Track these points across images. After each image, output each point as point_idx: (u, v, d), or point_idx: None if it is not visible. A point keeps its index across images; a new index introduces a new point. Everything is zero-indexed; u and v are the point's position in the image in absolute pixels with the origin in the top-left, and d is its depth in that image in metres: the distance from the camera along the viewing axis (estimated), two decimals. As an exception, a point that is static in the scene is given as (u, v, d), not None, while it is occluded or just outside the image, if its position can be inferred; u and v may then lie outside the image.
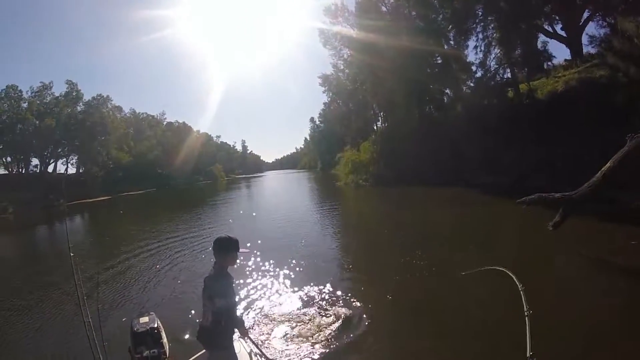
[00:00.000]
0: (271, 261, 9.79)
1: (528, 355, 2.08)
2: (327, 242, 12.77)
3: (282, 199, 35.04)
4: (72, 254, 3.58)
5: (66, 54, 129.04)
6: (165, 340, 3.52)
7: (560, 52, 62.29)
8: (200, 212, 26.03)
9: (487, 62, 25.12)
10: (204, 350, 3.38)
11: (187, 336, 5.31)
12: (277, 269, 9.15)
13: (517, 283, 3.24)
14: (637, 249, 7.95)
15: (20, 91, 58.59)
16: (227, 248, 3.15)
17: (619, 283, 6.55)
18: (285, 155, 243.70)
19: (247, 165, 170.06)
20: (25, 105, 58.46)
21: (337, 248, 11.99)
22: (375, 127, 45.24)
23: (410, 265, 8.51)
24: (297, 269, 9.15)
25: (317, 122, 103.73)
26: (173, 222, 20.48)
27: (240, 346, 3.48)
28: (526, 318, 2.54)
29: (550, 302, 5.75)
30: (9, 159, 58.54)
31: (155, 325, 3.55)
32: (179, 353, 3.61)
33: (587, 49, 23.24)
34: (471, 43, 27.01)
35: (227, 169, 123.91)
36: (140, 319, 3.66)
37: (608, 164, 8.92)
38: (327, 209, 21.55)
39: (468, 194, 18.85)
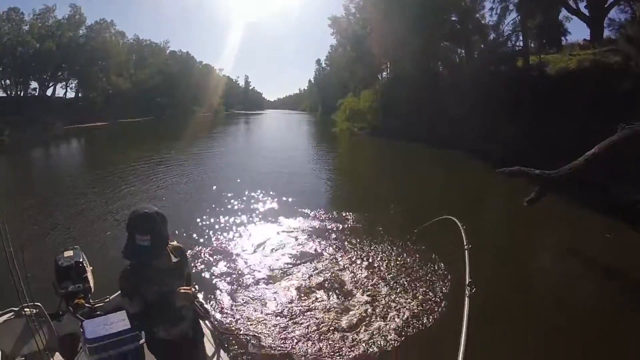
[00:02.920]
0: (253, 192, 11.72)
1: (467, 282, 2.33)
2: (301, 183, 13.95)
3: (274, 137, 36.87)
4: None
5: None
6: (90, 275, 3.38)
7: (580, 31, 60.14)
8: (191, 145, 26.32)
9: (501, 27, 24.43)
10: None
11: (112, 271, 5.77)
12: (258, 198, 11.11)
13: (459, 224, 3.68)
14: (608, 242, 8.19)
15: (22, 13, 56.66)
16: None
17: (570, 265, 7.24)
18: (288, 95, 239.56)
19: (249, 102, 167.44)
20: (26, 28, 56.70)
21: (310, 190, 13.06)
22: (379, 78, 44.49)
23: (371, 220, 9.23)
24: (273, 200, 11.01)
25: (323, 65, 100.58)
26: (154, 157, 20.10)
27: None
28: (466, 252, 2.84)
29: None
30: (7, 81, 57.52)
31: (81, 260, 3.38)
32: (104, 288, 3.54)
33: (608, 32, 22.61)
34: (487, 4, 26.12)
35: (228, 103, 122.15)
36: (65, 252, 3.44)
37: (593, 150, 8.98)
38: (314, 152, 23.00)
39: (460, 159, 19.20)
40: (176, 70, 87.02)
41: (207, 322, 3.16)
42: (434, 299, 5.59)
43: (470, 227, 3.52)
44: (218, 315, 5.19)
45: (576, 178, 9.25)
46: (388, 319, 5.14)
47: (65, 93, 65.23)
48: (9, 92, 57.76)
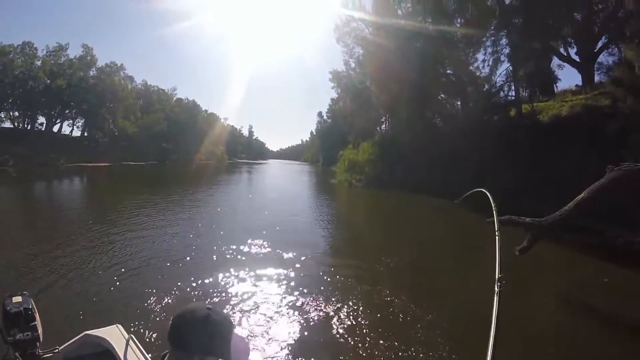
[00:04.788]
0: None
1: (497, 277, 2.37)
2: (301, 230, 13.61)
3: (275, 186, 36.86)
4: None
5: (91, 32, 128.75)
6: (39, 323, 3.16)
7: (572, 78, 61.76)
8: (192, 193, 25.87)
9: (493, 78, 24.92)
10: (79, 336, 3.23)
11: (62, 319, 5.20)
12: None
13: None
14: (605, 286, 7.85)
15: (36, 49, 59.11)
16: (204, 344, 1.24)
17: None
18: (290, 145, 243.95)
19: (252, 151, 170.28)
20: (39, 63, 58.77)
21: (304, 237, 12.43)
22: (378, 129, 45.04)
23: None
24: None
25: (325, 117, 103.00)
26: (145, 205, 18.73)
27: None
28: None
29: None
30: (16, 113, 59.09)
31: (30, 307, 3.17)
32: (54, 337, 3.31)
33: (598, 77, 23.13)
34: (480, 56, 26.85)
35: (231, 151, 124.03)
36: (13, 298, 3.24)
37: (582, 194, 8.72)
38: (311, 203, 22.54)
39: (451, 206, 18.73)
40: (182, 118, 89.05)
41: None
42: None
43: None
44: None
45: (567, 224, 8.86)
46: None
47: (71, 131, 66.87)
48: (16, 124, 59.30)
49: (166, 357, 1.26)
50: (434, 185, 22.37)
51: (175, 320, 1.24)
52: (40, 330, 3.11)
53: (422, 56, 27.66)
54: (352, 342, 5.32)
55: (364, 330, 5.64)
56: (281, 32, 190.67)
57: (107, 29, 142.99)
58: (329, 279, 8.00)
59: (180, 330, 1.23)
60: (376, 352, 5.03)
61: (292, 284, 7.56)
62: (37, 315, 3.17)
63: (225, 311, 6.07)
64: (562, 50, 25.27)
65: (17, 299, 3.20)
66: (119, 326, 3.37)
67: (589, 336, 5.73)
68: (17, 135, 52.92)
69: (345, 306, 6.46)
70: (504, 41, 24.35)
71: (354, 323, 5.89)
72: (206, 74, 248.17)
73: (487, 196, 4.19)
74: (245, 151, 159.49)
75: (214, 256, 9.54)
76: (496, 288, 2.32)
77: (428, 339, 5.32)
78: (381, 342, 5.27)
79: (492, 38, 24.79)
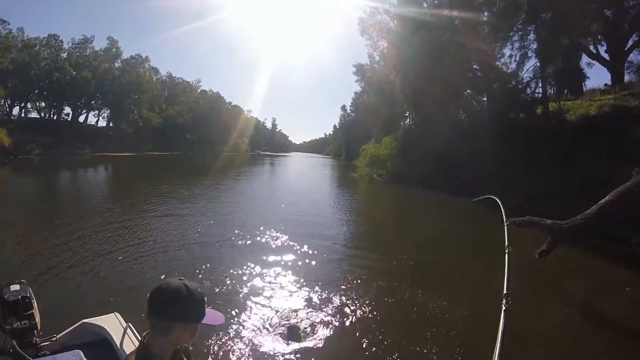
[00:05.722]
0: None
1: (504, 294, 2.22)
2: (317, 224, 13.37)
3: (296, 179, 37.60)
4: None
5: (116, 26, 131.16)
6: (36, 311, 3.18)
7: (602, 76, 59.48)
8: (216, 182, 26.32)
9: (520, 74, 24.18)
10: (78, 323, 3.25)
11: (60, 307, 5.17)
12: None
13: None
14: (628, 295, 7.43)
15: (61, 41, 60.63)
16: (181, 308, 1.37)
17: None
18: (313, 139, 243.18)
19: (275, 144, 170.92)
20: (64, 55, 60.27)
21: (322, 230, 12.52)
22: (402, 124, 44.49)
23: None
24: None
25: (348, 111, 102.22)
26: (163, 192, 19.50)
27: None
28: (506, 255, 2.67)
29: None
30: (42, 104, 60.88)
31: (28, 295, 3.19)
32: (52, 325, 3.34)
33: (630, 75, 22.30)
34: (506, 51, 26.10)
35: (254, 143, 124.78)
36: (11, 286, 3.24)
37: (606, 198, 8.34)
38: (330, 196, 22.85)
39: (472, 206, 18.25)
40: (206, 109, 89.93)
41: None
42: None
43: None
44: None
45: (590, 228, 8.51)
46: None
47: (97, 121, 68.59)
48: (42, 115, 61.14)
49: (147, 333, 1.45)
50: (455, 184, 21.89)
51: (153, 291, 1.39)
52: (37, 319, 3.13)
53: (448, 50, 27.00)
54: (361, 335, 5.29)
55: (374, 325, 5.61)
56: (305, 24, 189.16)
57: (132, 23, 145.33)
58: (342, 272, 8.04)
59: (156, 298, 1.38)
60: (384, 347, 5.00)
61: (306, 275, 7.60)
62: (34, 304, 3.19)
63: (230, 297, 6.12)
64: (591, 47, 24.35)
65: (15, 287, 3.21)
66: (117, 314, 3.40)
67: (608, 351, 5.40)
68: (43, 125, 54.35)
69: (358, 299, 6.48)
70: (531, 36, 23.65)
71: (364, 316, 5.89)
72: (231, 66, 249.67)
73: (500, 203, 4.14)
74: (269, 144, 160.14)
75: (228, 245, 9.62)
76: (503, 305, 2.15)
77: (439, 339, 5.20)
78: (390, 339, 5.21)
79: (520, 32, 24.01)
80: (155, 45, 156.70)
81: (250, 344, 4.98)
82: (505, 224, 2.97)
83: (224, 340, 4.98)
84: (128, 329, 3.14)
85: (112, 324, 3.26)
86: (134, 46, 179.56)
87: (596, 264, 9.41)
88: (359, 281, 7.46)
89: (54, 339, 3.16)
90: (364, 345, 5.04)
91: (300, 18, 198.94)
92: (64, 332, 3.21)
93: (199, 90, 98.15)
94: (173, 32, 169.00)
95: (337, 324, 5.63)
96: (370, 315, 5.95)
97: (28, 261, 7.66)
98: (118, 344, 3.02)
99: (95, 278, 6.95)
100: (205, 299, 1.44)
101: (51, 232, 9.92)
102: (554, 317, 6.37)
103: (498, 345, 1.72)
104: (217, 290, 6.68)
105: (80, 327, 3.27)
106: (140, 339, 2.91)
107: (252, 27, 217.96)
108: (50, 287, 6.45)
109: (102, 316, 3.38)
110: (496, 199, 4.51)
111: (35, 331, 3.08)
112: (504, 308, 2.09)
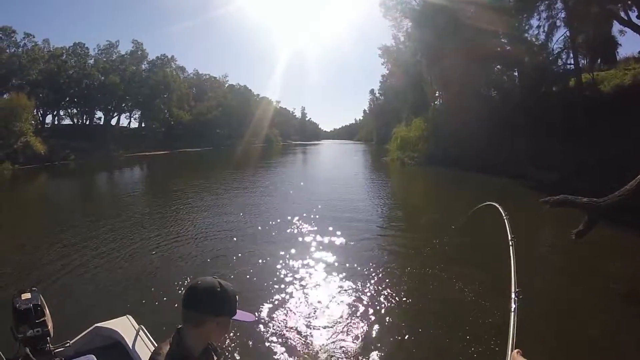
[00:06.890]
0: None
1: (513, 291, 2.11)
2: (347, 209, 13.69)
3: (327, 167, 37.89)
4: None
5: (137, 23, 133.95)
6: (49, 318, 3.24)
7: (636, 43, 55.55)
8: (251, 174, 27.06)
9: (550, 45, 23.19)
10: (89, 329, 3.33)
11: (71, 314, 5.29)
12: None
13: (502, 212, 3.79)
14: None
15: (87, 48, 62.44)
16: (214, 301, 1.48)
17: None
18: (344, 125, 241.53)
19: (305, 132, 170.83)
20: (91, 62, 62.22)
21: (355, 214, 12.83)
22: (432, 105, 43.65)
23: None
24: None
25: (377, 95, 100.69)
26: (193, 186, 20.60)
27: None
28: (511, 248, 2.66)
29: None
30: (74, 110, 63.00)
31: (39, 303, 3.23)
32: (63, 332, 3.40)
33: None
34: (534, 22, 25.02)
35: (285, 134, 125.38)
36: (23, 295, 3.30)
37: None
38: (361, 182, 22.94)
39: (508, 186, 17.76)
40: (235, 103, 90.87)
41: None
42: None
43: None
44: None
45: (628, 205, 8.21)
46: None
47: (129, 123, 70.78)
48: (75, 121, 63.23)
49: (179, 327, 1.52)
50: (490, 163, 21.38)
51: (189, 286, 1.51)
52: (50, 326, 3.19)
53: (474, 25, 26.17)
54: (396, 327, 5.30)
55: (410, 318, 5.59)
56: (322, 10, 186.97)
57: (153, 23, 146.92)
58: (379, 259, 8.11)
59: (191, 292, 1.48)
60: (422, 341, 4.97)
61: (338, 264, 7.71)
62: (46, 311, 3.26)
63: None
64: (622, 14, 22.91)
65: (26, 295, 3.27)
66: (129, 317, 3.49)
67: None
68: (76, 131, 56.29)
69: (395, 288, 6.50)
70: (559, 5, 22.47)
71: (400, 306, 5.91)
72: (257, 58, 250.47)
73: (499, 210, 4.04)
74: (299, 132, 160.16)
75: (255, 239, 9.79)
76: (513, 303, 2.01)
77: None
78: (426, 331, 5.18)
79: (546, 1, 22.89)
80: (179, 44, 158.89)
81: (284, 339, 5.03)
82: (510, 240, 2.88)
83: (258, 333, 5.11)
84: (140, 331, 3.22)
85: (125, 326, 3.34)
86: (158, 48, 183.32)
87: (632, 243, 8.99)
88: (397, 271, 7.48)
89: (68, 344, 3.26)
90: (400, 338, 5.02)
91: (317, 3, 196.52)
92: (77, 338, 3.28)
93: (226, 85, 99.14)
94: (196, 26, 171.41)
95: (370, 311, 5.70)
96: (406, 306, 5.91)
97: (41, 265, 8.02)
98: (131, 346, 3.09)
99: (118, 276, 7.31)
100: (238, 297, 1.55)
101: (74, 233, 10.52)
102: (593, 299, 6.23)
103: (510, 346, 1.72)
104: (255, 280, 6.95)
105: (93, 331, 3.36)
106: (152, 341, 2.98)
107: (270, 18, 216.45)
108: (63, 290, 6.70)
109: (115, 319, 3.45)
110: (496, 205, 4.32)
111: (48, 338, 3.15)
112: (513, 297, 2.07)
